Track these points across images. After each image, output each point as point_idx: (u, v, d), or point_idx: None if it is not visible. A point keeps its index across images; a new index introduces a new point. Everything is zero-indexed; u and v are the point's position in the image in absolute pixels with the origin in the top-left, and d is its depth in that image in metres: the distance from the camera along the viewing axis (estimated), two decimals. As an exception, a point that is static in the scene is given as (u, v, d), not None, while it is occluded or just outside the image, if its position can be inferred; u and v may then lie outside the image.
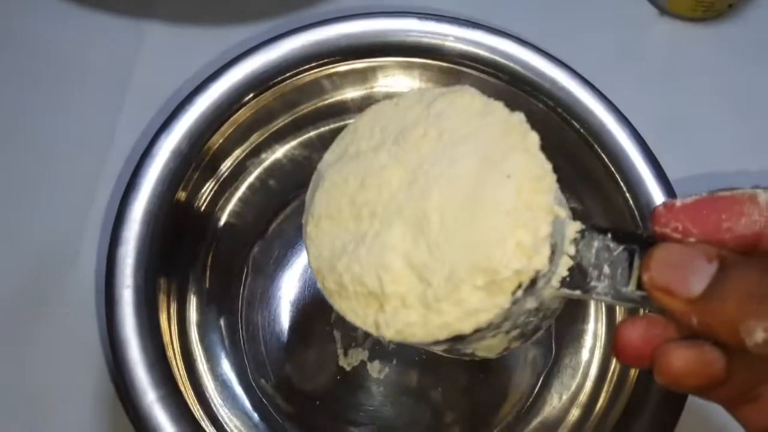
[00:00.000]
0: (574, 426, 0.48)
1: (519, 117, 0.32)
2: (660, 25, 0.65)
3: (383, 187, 0.31)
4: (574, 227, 0.32)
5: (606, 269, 0.31)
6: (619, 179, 0.48)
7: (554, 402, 0.49)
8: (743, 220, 0.29)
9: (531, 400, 0.50)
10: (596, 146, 0.49)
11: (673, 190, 0.48)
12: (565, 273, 0.31)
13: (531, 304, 0.31)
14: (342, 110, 0.54)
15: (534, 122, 0.47)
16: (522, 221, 0.29)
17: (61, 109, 0.58)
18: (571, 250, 0.31)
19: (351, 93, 0.53)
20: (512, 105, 0.51)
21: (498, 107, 0.33)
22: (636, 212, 0.47)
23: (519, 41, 0.50)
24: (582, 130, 0.49)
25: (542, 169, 0.30)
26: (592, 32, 0.63)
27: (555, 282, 0.31)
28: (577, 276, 0.31)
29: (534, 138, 0.31)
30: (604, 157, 0.48)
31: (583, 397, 0.49)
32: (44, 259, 0.52)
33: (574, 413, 0.50)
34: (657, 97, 0.62)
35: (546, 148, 0.41)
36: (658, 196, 0.47)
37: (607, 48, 0.63)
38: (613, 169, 0.48)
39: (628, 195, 0.48)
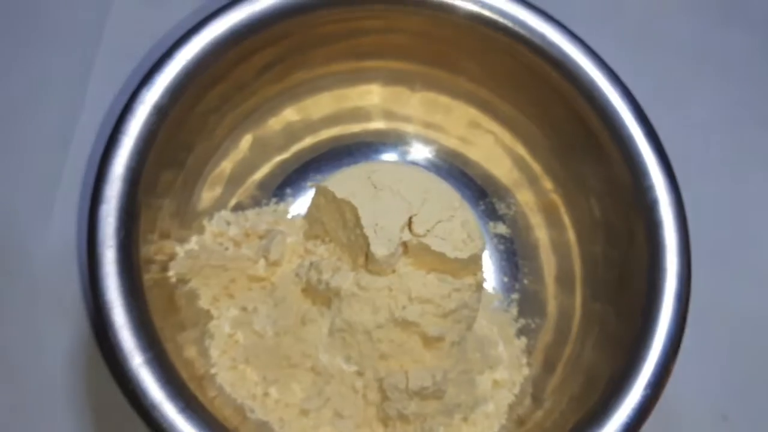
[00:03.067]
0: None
1: None
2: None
3: None
4: None
5: None
6: (610, 136, 0.48)
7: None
8: None
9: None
10: (585, 101, 0.48)
11: (663, 147, 0.48)
12: None
13: None
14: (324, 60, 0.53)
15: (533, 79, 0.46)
16: None
17: (32, 66, 0.56)
18: None
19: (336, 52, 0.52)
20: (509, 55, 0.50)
21: None
22: (630, 169, 0.47)
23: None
24: (573, 87, 0.49)
25: None
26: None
27: None
28: None
29: None
30: (594, 111, 0.48)
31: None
32: (18, 219, 0.51)
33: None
34: (638, 55, 0.62)
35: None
36: (647, 153, 0.47)
37: (592, 6, 0.62)
38: (603, 123, 0.48)
39: (620, 152, 0.47)
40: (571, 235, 0.54)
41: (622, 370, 0.43)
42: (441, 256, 0.48)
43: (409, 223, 0.48)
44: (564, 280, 0.54)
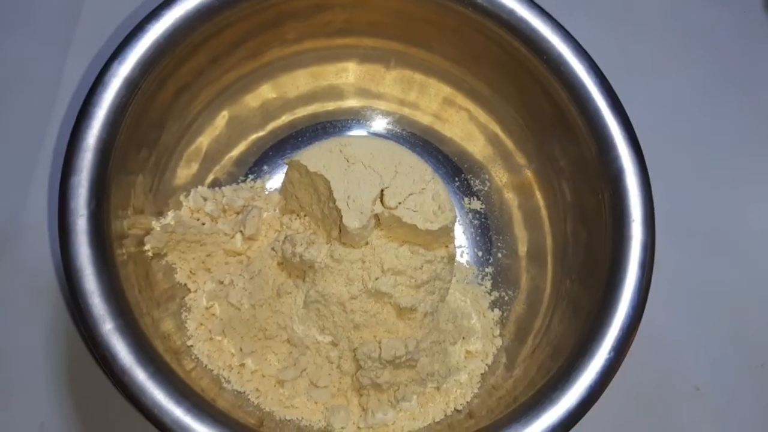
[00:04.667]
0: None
1: None
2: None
3: None
4: None
5: None
6: (577, 109, 0.48)
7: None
8: None
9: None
10: (553, 76, 0.49)
11: (629, 119, 0.48)
12: None
13: None
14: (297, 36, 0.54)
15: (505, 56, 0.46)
16: None
17: (10, 44, 0.56)
18: None
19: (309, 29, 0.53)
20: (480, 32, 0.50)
21: None
22: (596, 141, 0.48)
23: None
24: (541, 62, 0.49)
25: None
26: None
27: None
28: None
29: None
30: (561, 86, 0.49)
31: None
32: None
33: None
34: (613, 30, 0.63)
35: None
36: (613, 125, 0.48)
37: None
38: (570, 97, 0.48)
39: (587, 125, 0.48)
40: (543, 213, 0.55)
41: (586, 336, 0.44)
42: (412, 228, 0.48)
43: (381, 196, 0.49)
44: (536, 255, 0.55)
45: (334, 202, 0.48)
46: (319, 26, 0.53)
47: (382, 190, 0.49)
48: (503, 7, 0.50)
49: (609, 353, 0.43)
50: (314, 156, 0.50)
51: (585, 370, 0.42)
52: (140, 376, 0.39)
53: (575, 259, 0.51)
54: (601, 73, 0.49)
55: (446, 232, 0.50)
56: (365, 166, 0.50)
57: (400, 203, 0.49)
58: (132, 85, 0.44)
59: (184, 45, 0.46)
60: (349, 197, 0.48)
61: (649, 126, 0.51)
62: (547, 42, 0.49)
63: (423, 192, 0.50)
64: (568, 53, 0.49)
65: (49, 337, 0.49)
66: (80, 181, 0.41)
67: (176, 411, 0.38)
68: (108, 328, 0.39)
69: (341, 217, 0.48)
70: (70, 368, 0.49)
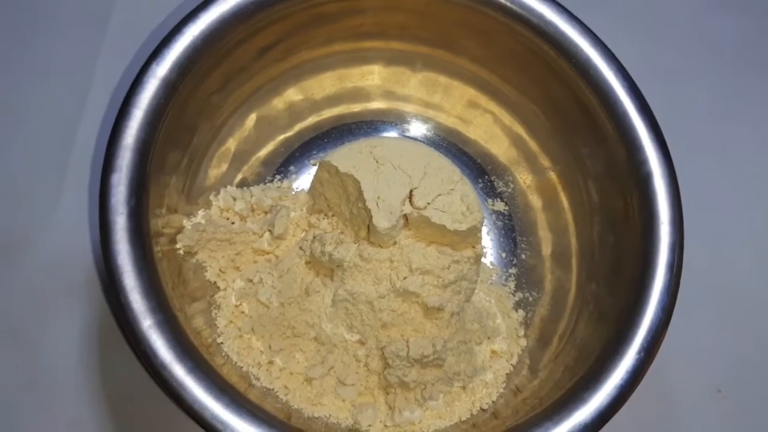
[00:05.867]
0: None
1: None
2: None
3: None
4: None
5: None
6: (606, 112, 0.49)
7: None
8: None
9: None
10: (582, 79, 0.49)
11: (657, 122, 0.49)
12: None
13: None
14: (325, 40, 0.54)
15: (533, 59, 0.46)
16: None
17: (42, 45, 0.57)
18: None
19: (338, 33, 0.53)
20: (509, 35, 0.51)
21: None
22: (624, 144, 0.48)
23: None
24: (570, 65, 0.50)
25: None
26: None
27: None
28: None
29: None
30: (590, 89, 0.49)
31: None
32: (29, 199, 0.52)
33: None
34: (637, 35, 0.64)
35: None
36: (641, 128, 0.48)
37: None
38: (599, 101, 0.49)
39: (615, 128, 0.49)
40: (568, 215, 0.56)
41: (615, 336, 0.44)
42: (441, 229, 0.49)
43: (410, 197, 0.50)
44: (561, 257, 0.55)
45: (364, 203, 0.49)
46: (349, 29, 0.54)
47: (411, 191, 0.50)
48: (532, 10, 0.50)
49: (638, 353, 0.43)
50: (344, 156, 0.51)
51: (615, 370, 0.43)
52: (179, 371, 0.39)
53: (602, 262, 0.51)
54: (629, 77, 0.49)
55: (474, 233, 0.50)
56: (394, 166, 0.50)
57: (428, 204, 0.49)
58: (169, 86, 0.45)
59: (219, 47, 0.47)
60: (378, 197, 0.49)
61: (674, 129, 0.51)
62: (576, 46, 0.50)
63: (451, 193, 0.50)
64: (597, 57, 0.50)
65: (84, 332, 0.50)
66: (120, 179, 0.42)
67: (215, 406, 0.39)
68: (148, 324, 0.40)
69: (371, 217, 0.48)
70: (103, 363, 0.49)
